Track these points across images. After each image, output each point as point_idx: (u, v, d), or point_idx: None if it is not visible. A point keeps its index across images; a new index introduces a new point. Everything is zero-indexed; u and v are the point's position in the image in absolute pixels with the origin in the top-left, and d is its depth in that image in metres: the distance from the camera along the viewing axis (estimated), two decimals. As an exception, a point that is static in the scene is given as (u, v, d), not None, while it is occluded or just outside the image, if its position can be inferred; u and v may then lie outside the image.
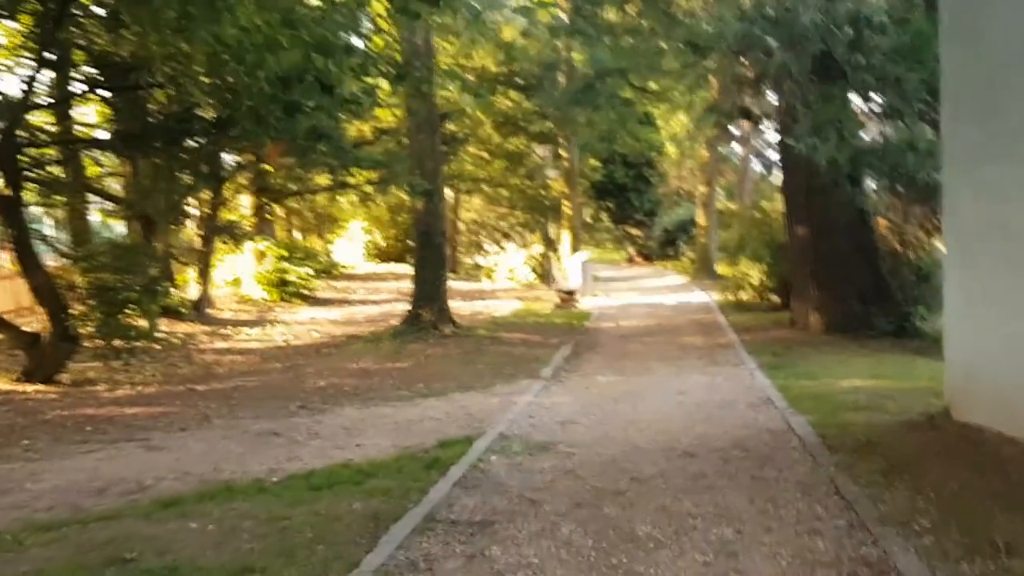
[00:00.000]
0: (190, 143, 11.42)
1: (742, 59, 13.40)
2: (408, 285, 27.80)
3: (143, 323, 11.48)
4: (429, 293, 14.68)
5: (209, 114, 10.62)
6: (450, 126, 19.82)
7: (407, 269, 37.18)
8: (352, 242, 40.14)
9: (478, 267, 30.71)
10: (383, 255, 39.80)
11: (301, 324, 17.87)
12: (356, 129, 19.61)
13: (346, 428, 7.94)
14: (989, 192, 5.98)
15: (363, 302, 22.50)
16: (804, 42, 9.46)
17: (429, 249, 14.68)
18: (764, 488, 5.20)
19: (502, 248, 34.94)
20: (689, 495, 5.11)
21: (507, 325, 16.36)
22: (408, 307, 15.36)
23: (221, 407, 9.10)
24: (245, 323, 17.54)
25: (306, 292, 22.44)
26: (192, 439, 7.57)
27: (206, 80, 9.59)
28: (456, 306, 20.50)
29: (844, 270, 13.36)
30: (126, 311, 10.88)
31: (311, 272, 22.16)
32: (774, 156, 43.58)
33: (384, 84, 15.02)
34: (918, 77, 9.72)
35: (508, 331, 15.27)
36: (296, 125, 9.40)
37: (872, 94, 10.01)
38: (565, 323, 16.77)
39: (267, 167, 17.66)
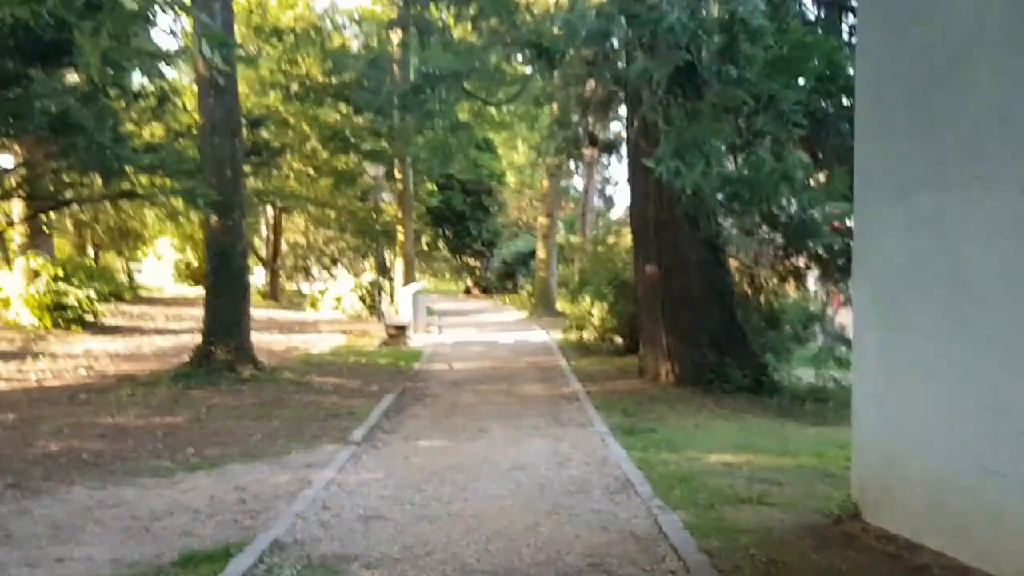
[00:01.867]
0: None
1: (593, 69, 12.01)
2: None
3: None
4: (225, 326, 12.29)
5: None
6: (264, 133, 17.48)
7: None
8: (161, 262, 36.35)
9: (302, 295, 28.10)
10: (196, 277, 36.20)
11: (72, 357, 14.84)
12: (150, 132, 16.85)
13: (57, 526, 5.60)
14: (928, 226, 4.58)
15: (159, 331, 19.50)
16: (668, 47, 8.12)
17: (226, 274, 12.31)
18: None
19: (331, 274, 32.43)
20: None
21: (323, 366, 14.14)
22: (200, 342, 12.83)
23: None
24: (1, 355, 14.36)
25: (90, 318, 19.21)
26: None
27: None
28: (266, 340, 18.04)
29: (696, 314, 12.17)
30: None
31: (94, 295, 18.93)
32: (618, 188, 43.61)
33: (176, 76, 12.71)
34: (794, 96, 8.55)
35: (323, 374, 13.07)
36: (26, 107, 6.96)
37: (743, 113, 8.76)
38: (391, 364, 14.74)
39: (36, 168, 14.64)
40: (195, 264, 35.76)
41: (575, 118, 16.01)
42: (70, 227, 27.42)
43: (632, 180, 12.75)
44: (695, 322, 12.13)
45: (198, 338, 16.31)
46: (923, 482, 4.64)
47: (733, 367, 11.85)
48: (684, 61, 8.46)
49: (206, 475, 7.02)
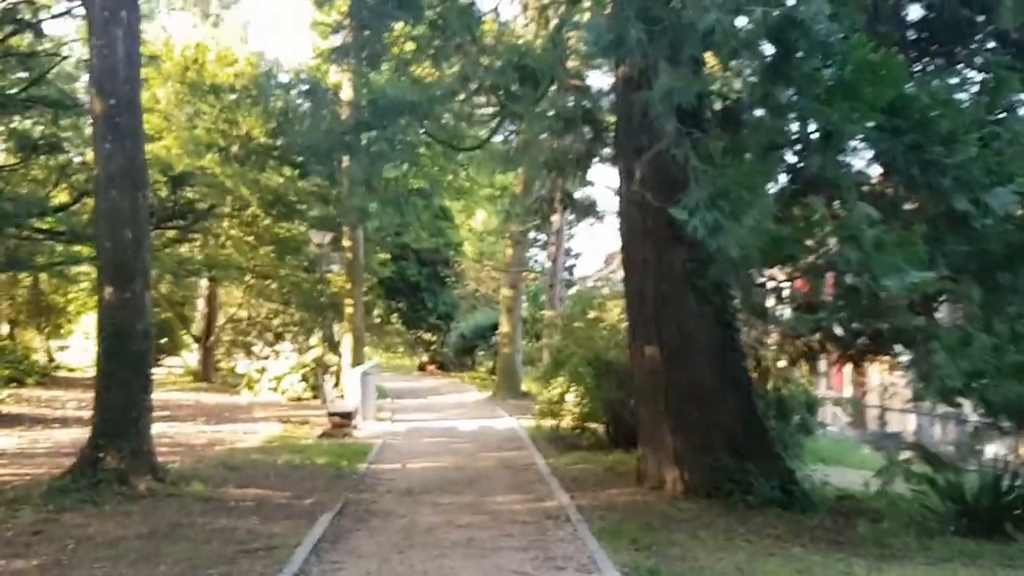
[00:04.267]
0: None
1: (574, 111, 10.02)
2: (156, 395, 21.88)
3: None
4: (119, 426, 9.67)
5: None
6: (189, 193, 15.10)
7: (158, 372, 30.91)
8: (89, 339, 33.23)
9: (237, 374, 25.31)
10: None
11: (-63, 460, 12.09)
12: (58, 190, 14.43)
13: None
14: None
15: (64, 421, 16.66)
16: (698, 63, 6.13)
17: (122, 360, 9.75)
18: None
19: (275, 351, 29.72)
20: None
21: (246, 469, 11.52)
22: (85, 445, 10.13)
23: None
24: None
25: (-16, 406, 16.39)
26: None
27: None
28: (186, 432, 15.40)
29: (708, 408, 9.94)
30: None
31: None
32: (580, 260, 41.85)
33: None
34: (858, 131, 6.54)
35: (243, 482, 10.47)
36: None
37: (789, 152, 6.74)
38: (333, 463, 12.19)
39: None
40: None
41: (547, 175, 14.02)
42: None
43: (627, 246, 10.62)
44: (707, 417, 9.89)
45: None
46: None
47: (756, 474, 9.60)
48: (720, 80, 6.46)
49: None
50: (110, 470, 9.47)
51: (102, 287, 9.77)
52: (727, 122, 7.72)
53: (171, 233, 17.42)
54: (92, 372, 28.74)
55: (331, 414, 15.68)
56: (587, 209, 14.03)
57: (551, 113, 12.25)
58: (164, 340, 33.18)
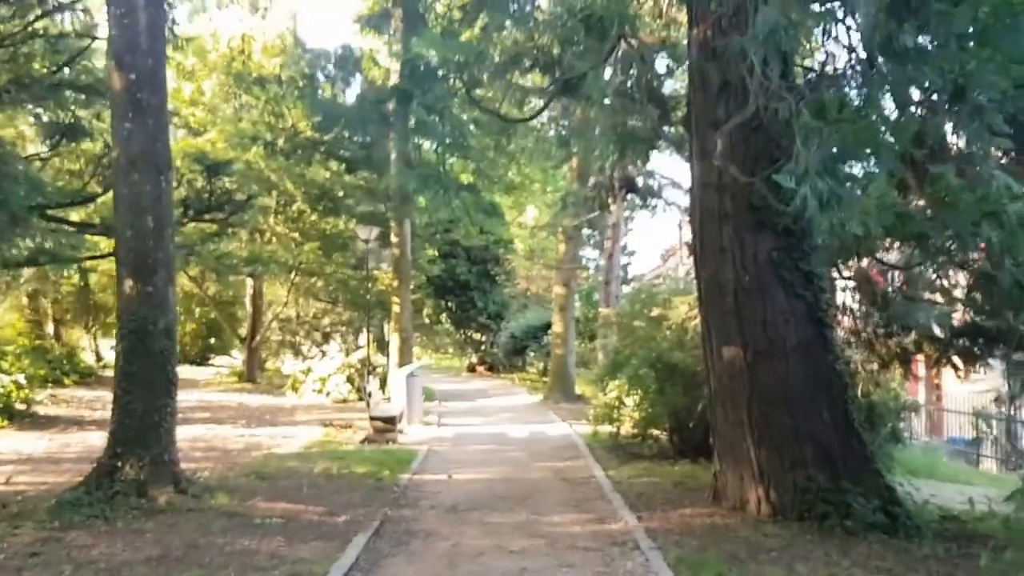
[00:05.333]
0: None
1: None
2: (201, 396, 21.42)
3: None
4: (139, 432, 8.81)
5: None
6: (227, 181, 14.28)
7: (205, 373, 30.44)
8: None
9: (283, 375, 24.55)
10: (178, 355, 32.77)
11: (-43, 465, 11.42)
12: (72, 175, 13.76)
13: None
14: None
15: (102, 424, 15.91)
16: None
17: (143, 359, 8.88)
18: None
19: (322, 351, 29.01)
20: None
21: (279, 478, 10.58)
22: (112, 452, 9.26)
23: None
24: None
25: (20, 406, 15.81)
26: None
27: None
28: (224, 436, 14.59)
29: (797, 417, 8.66)
30: None
31: (22, 380, 15.48)
32: (634, 258, 40.73)
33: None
34: (1000, 84, 5.27)
35: (273, 495, 9.52)
36: None
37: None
38: (373, 473, 11.19)
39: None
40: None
41: (607, 157, 12.85)
42: (24, 300, 24.17)
43: (701, 233, 9.38)
44: (796, 428, 8.62)
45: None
46: None
47: (854, 493, 8.32)
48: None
49: None
50: (128, 481, 8.65)
51: (121, 280, 8.93)
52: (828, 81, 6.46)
53: (210, 227, 16.62)
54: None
55: (373, 418, 14.71)
56: (651, 193, 12.77)
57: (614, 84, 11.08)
58: (213, 340, 32.87)
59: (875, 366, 11.65)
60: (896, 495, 8.60)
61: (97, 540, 7.30)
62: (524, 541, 7.74)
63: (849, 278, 11.50)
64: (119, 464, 8.69)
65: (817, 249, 9.16)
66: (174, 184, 15.66)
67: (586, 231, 34.22)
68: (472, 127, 11.10)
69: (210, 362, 32.97)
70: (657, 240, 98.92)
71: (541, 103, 11.33)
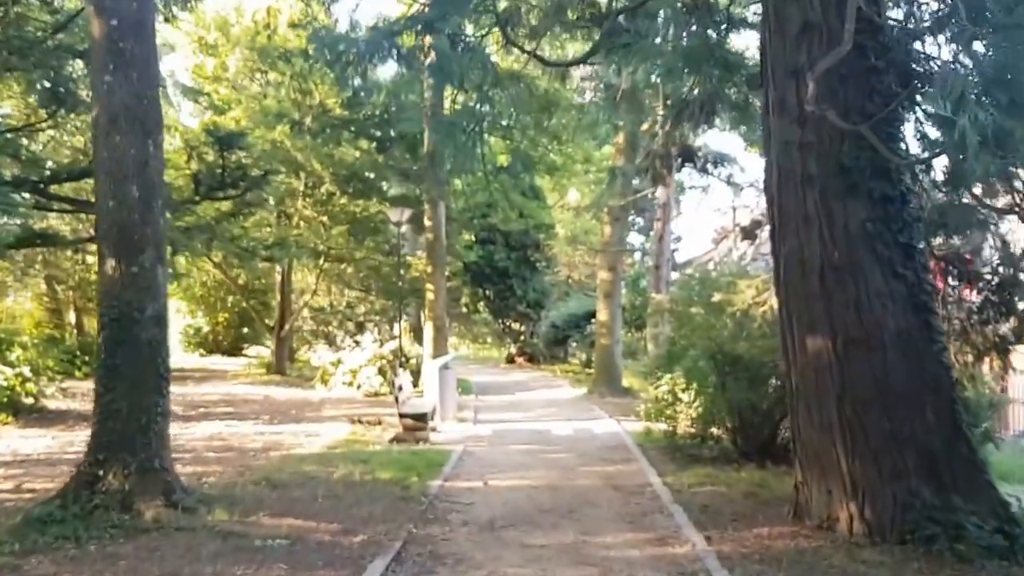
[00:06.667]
0: None
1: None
2: (227, 389, 20.40)
3: None
4: (124, 435, 7.65)
5: None
6: (240, 154, 13.06)
7: (237, 363, 29.53)
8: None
9: (313, 367, 23.45)
10: (210, 346, 32.08)
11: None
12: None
13: None
14: None
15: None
16: None
17: (128, 351, 7.71)
18: None
19: (356, 341, 27.92)
20: None
21: (292, 487, 9.35)
22: (93, 459, 8.08)
23: None
24: None
25: (26, 400, 14.88)
26: None
27: None
28: (241, 434, 13.49)
29: (898, 420, 7.21)
30: None
31: (28, 372, 14.50)
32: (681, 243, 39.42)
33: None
34: None
35: (281, 508, 8.29)
36: None
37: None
38: (398, 480, 9.90)
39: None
40: (205, 329, 31.66)
41: (662, 127, 11.44)
42: (43, 286, 23.39)
43: (778, 199, 7.92)
44: (896, 432, 7.16)
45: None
46: None
47: (965, 511, 6.86)
48: None
49: None
50: (111, 492, 7.49)
51: (103, 259, 7.74)
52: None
53: (226, 205, 15.47)
54: (170, 363, 27.72)
55: (403, 415, 13.46)
56: (715, 162, 11.28)
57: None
58: (246, 330, 31.99)
59: (970, 358, 10.26)
60: (1011, 512, 7.12)
61: (60, 568, 6.13)
62: (573, 571, 6.41)
63: (941, 257, 10.05)
64: (101, 473, 7.53)
65: (918, 219, 7.76)
66: (184, 158, 14.78)
67: (632, 216, 32.69)
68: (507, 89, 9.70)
69: (244, 352, 32.13)
70: (704, 224, 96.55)
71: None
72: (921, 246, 7.69)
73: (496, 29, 8.28)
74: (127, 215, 7.61)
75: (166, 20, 14.11)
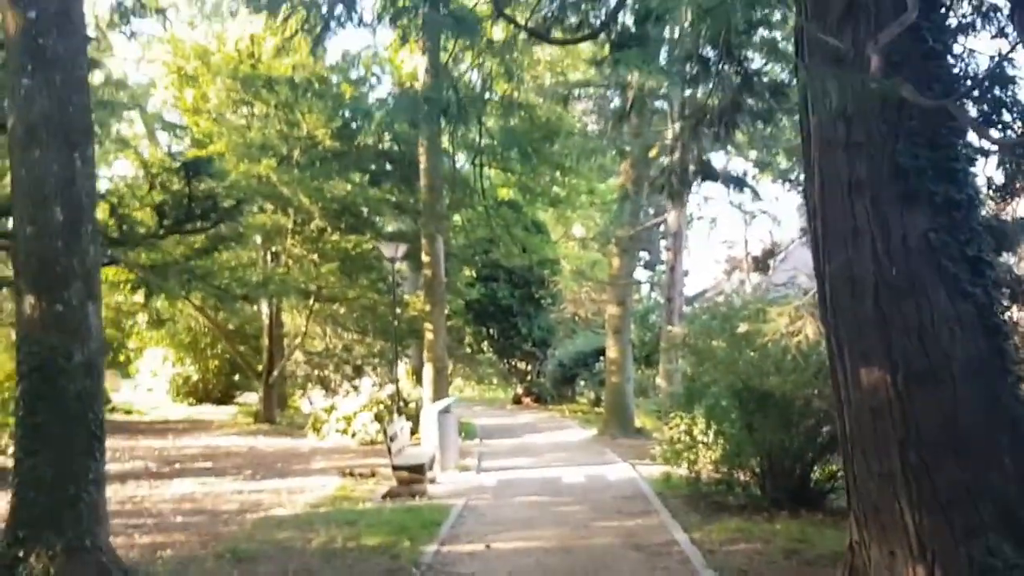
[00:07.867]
0: None
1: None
2: (209, 441, 19.02)
3: None
4: (49, 509, 6.42)
5: None
6: (211, 183, 11.89)
7: (226, 412, 28.11)
8: (156, 377, 31.02)
9: (303, 414, 22.12)
10: (200, 395, 30.71)
11: None
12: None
13: None
14: None
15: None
16: None
17: (51, 407, 6.50)
18: None
19: (354, 386, 26.70)
20: None
21: (260, 561, 8.06)
22: (13, 538, 6.84)
23: None
24: None
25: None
26: None
27: None
28: (217, 492, 12.24)
29: (971, 466, 5.97)
30: None
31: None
32: (688, 277, 38.20)
33: None
34: None
35: (244, 586, 7.02)
36: None
37: None
38: (387, 547, 8.61)
39: None
40: (195, 377, 30.37)
41: (678, 140, 10.35)
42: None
43: (821, 209, 6.72)
44: (970, 482, 5.92)
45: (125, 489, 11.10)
46: None
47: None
48: None
49: None
50: (36, 573, 6.19)
51: (20, 297, 6.56)
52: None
53: (199, 240, 14.32)
54: (158, 413, 26.28)
55: (396, 468, 12.17)
56: (735, 182, 10.18)
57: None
58: (237, 377, 30.69)
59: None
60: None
61: None
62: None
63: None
64: (21, 554, 6.28)
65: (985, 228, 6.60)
66: (146, 187, 13.64)
67: (641, 253, 31.54)
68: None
69: (235, 400, 30.81)
70: (710, 259, 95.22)
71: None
72: (990, 259, 6.50)
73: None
74: (49, 243, 6.46)
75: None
